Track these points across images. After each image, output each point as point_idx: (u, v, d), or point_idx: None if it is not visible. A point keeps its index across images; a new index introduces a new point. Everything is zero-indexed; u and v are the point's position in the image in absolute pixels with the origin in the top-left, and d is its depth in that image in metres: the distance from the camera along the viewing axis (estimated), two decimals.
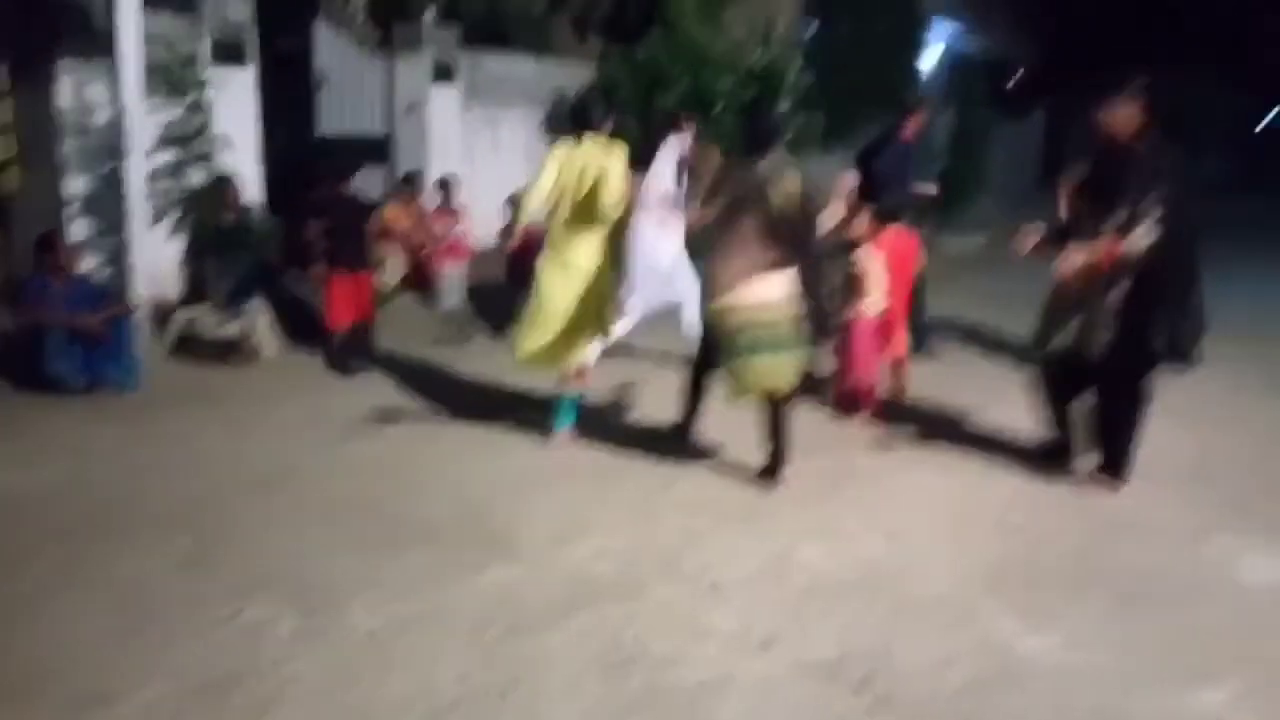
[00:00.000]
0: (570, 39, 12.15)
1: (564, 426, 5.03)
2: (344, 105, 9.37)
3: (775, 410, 4.43)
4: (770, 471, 4.49)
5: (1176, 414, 5.48)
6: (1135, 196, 4.14)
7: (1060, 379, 4.57)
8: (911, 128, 6.87)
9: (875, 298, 5.42)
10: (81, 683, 2.86)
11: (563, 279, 4.76)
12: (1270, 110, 32.56)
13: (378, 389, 6.03)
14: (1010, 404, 5.39)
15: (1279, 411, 5.92)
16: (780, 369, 4.35)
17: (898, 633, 3.24)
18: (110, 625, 3.18)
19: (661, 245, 4.89)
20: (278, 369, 6.51)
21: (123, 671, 2.92)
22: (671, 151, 4.97)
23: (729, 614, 3.34)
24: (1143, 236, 4.13)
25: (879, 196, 5.90)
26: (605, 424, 5.30)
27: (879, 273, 5.41)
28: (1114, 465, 4.50)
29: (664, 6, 11.35)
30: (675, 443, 4.92)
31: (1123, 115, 4.25)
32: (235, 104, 7.26)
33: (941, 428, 5.37)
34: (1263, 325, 8.18)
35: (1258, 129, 32.54)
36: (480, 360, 6.66)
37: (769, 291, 4.30)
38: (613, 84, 10.37)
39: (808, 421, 5.29)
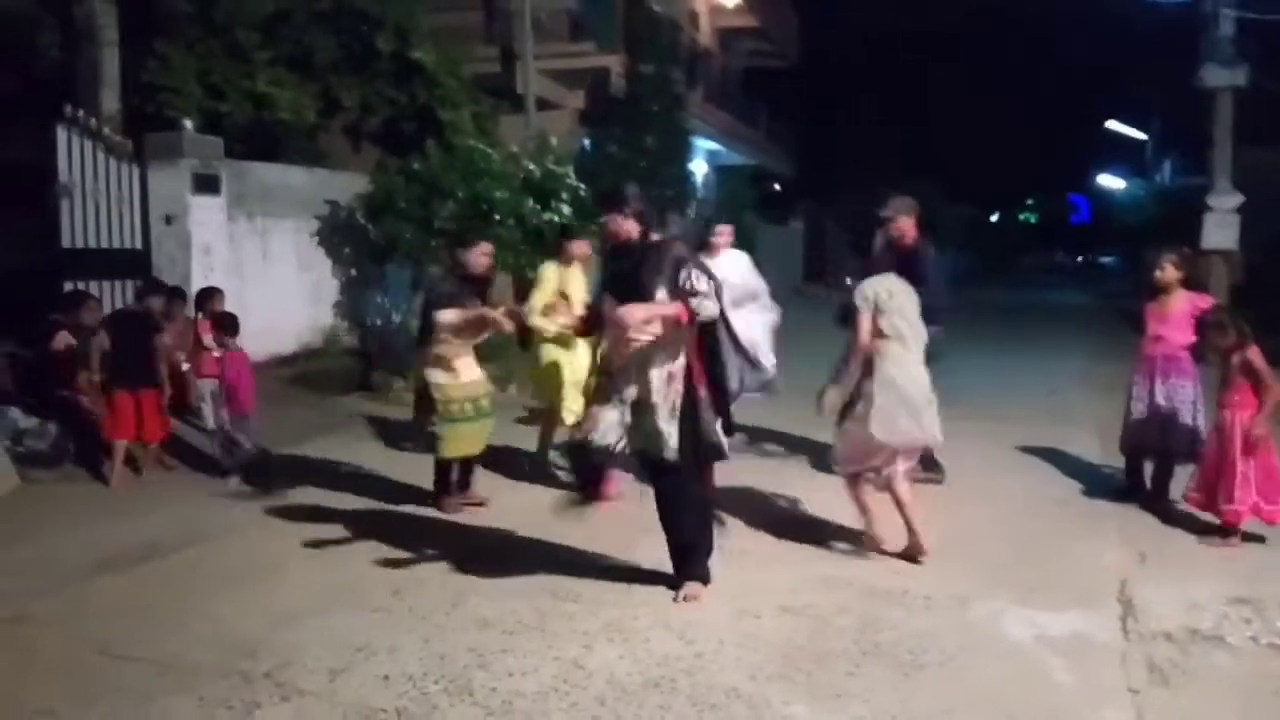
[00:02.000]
0: (343, 149, 12.05)
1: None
2: (94, 217, 8.76)
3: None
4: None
5: (931, 489, 5.91)
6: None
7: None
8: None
9: None
10: None
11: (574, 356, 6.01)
12: (989, 215, 37.39)
13: (141, 516, 5.51)
14: (796, 490, 5.61)
15: (1021, 483, 6.48)
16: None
17: None
18: None
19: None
20: (11, 505, 5.83)
21: None
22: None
23: None
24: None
25: None
26: (398, 537, 5.07)
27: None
28: (691, 571, 4.33)
29: (439, 118, 11.53)
30: (468, 553, 4.78)
31: None
32: None
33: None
34: (1002, 404, 9.03)
35: (983, 229, 37.61)
36: (254, 477, 6.25)
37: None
38: (389, 194, 10.31)
39: (592, 519, 5.29)
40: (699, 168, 19.78)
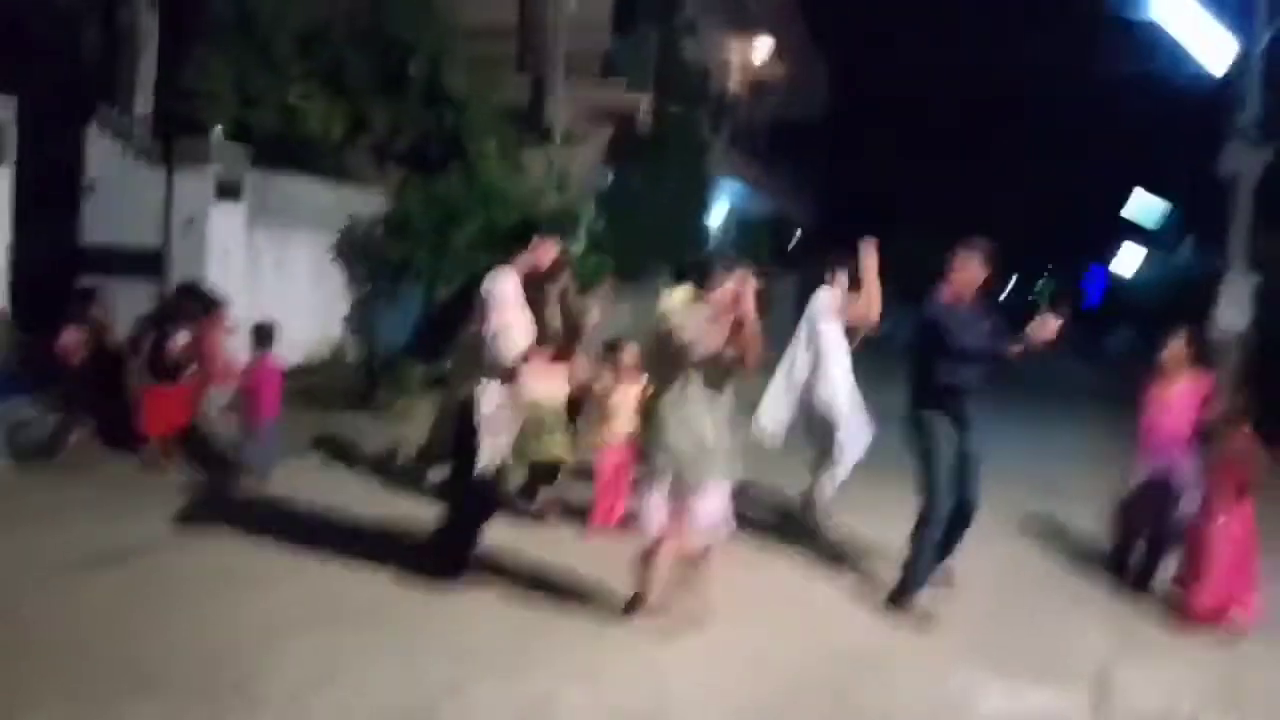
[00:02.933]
0: (367, 167, 12.16)
1: None
2: (117, 215, 8.87)
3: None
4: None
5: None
6: None
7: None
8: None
9: (619, 425, 5.80)
10: None
11: None
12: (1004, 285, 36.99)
13: (131, 516, 5.54)
14: (780, 542, 5.56)
15: (1009, 555, 6.41)
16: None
17: None
18: None
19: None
20: (3, 495, 5.86)
21: None
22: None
23: None
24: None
25: None
26: (384, 558, 5.05)
27: (626, 404, 5.73)
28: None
29: (465, 144, 11.65)
30: (458, 576, 4.77)
31: None
32: None
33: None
34: (998, 475, 8.92)
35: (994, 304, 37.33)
36: (256, 485, 6.29)
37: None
38: (408, 215, 10.41)
39: (586, 560, 5.28)
40: (720, 212, 19.90)
